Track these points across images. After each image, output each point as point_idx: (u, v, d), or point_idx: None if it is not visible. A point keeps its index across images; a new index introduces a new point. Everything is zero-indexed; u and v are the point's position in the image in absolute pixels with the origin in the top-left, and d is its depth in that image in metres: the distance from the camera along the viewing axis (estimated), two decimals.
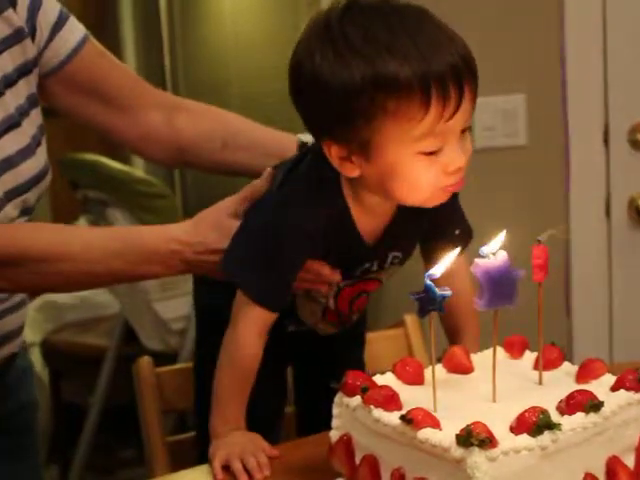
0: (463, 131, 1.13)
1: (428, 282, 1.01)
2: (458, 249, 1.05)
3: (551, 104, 2.38)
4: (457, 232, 1.27)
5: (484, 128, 2.42)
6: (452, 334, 1.35)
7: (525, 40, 2.37)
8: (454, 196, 1.30)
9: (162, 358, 2.12)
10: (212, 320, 1.35)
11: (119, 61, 1.51)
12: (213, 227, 1.26)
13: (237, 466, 1.17)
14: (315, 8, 3.04)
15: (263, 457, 1.18)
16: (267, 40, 3.70)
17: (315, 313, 1.34)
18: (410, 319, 1.68)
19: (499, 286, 0.99)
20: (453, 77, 1.07)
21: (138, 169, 4.24)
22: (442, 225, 1.30)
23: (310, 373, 1.47)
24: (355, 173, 1.16)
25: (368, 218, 1.24)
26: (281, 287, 1.22)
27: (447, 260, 1.03)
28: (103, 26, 4.72)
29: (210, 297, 1.41)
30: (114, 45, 4.56)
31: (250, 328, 1.22)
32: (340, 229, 1.22)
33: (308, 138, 1.36)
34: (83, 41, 1.43)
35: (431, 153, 1.10)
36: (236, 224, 1.24)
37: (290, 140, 1.45)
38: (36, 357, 3.46)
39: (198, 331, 1.47)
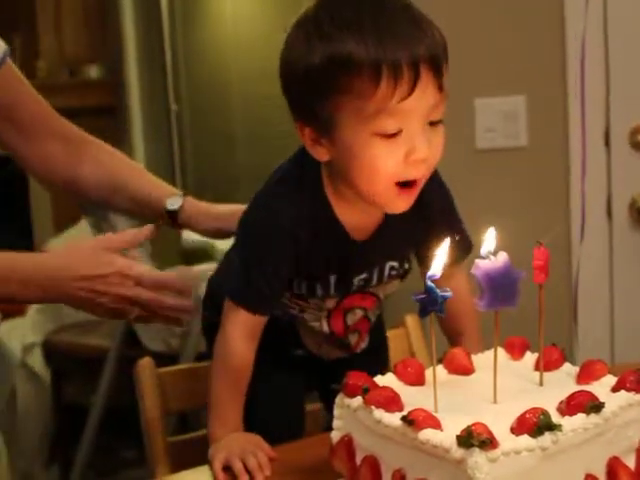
0: (433, 124, 1.13)
1: (429, 283, 1.01)
2: (447, 241, 1.04)
3: (552, 105, 2.38)
4: (457, 238, 1.24)
5: (485, 129, 2.43)
6: (452, 338, 1.35)
7: (526, 42, 2.37)
8: (450, 205, 1.32)
9: (163, 359, 2.12)
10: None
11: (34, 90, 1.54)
12: (87, 256, 1.29)
13: (238, 466, 1.17)
14: None
15: (263, 457, 1.19)
16: (268, 41, 3.71)
17: (315, 337, 1.36)
18: (411, 320, 1.68)
19: (500, 287, 1.00)
20: (409, 61, 1.07)
21: None
22: (439, 236, 1.29)
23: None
24: (325, 157, 1.17)
25: (353, 214, 1.23)
26: (263, 288, 1.23)
27: (441, 256, 1.02)
28: (105, 27, 4.72)
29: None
30: (116, 46, 4.57)
31: (237, 332, 1.24)
32: (324, 225, 1.22)
33: (175, 205, 1.47)
34: (3, 59, 1.46)
35: (390, 136, 1.10)
36: (112, 258, 1.27)
37: (168, 193, 1.53)
38: (37, 357, 3.46)
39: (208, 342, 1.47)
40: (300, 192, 1.22)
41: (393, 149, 1.11)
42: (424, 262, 1.34)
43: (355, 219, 1.24)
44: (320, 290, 1.29)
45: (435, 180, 1.29)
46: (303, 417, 1.46)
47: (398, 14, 1.12)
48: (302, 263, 1.24)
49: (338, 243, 1.24)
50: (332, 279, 1.28)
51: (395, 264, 1.31)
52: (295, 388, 1.43)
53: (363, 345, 1.41)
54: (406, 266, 1.33)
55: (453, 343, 1.33)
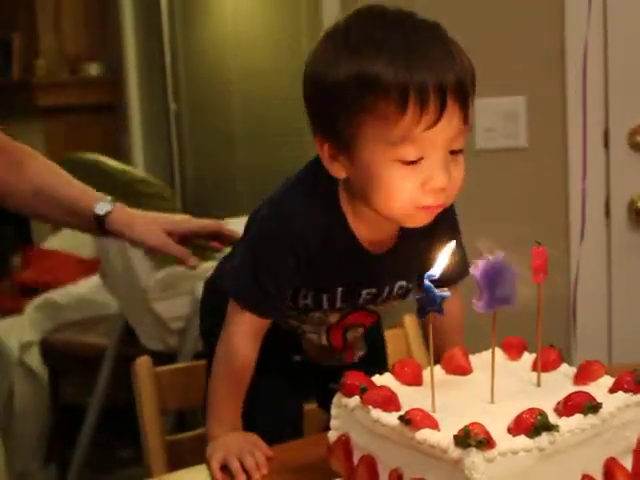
0: (454, 153, 1.12)
1: (428, 283, 1.01)
2: (452, 244, 1.04)
3: (551, 106, 2.38)
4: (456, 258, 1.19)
5: (485, 129, 2.43)
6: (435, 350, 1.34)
7: (526, 42, 2.37)
8: (455, 224, 1.32)
9: (161, 358, 2.12)
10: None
11: None
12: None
13: (235, 465, 1.17)
14: (314, 7, 3.04)
15: (260, 456, 1.19)
16: (267, 40, 3.71)
17: (313, 346, 1.36)
18: (409, 320, 1.68)
19: (498, 287, 0.99)
20: (436, 89, 1.06)
21: (138, 169, 4.24)
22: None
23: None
24: (342, 174, 1.16)
25: (368, 227, 1.22)
26: (271, 291, 1.21)
27: (443, 260, 1.02)
28: (104, 25, 4.72)
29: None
30: (116, 44, 4.57)
31: (241, 332, 1.23)
32: (337, 234, 1.21)
33: (104, 210, 1.49)
34: None
35: (410, 163, 1.09)
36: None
37: (97, 199, 1.54)
38: (35, 356, 3.46)
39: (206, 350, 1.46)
40: (314, 198, 1.20)
41: (411, 176, 1.10)
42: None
43: (369, 232, 1.22)
44: (326, 302, 1.27)
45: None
46: (301, 418, 1.46)
47: (428, 36, 1.11)
48: (311, 271, 1.23)
49: (350, 253, 1.22)
50: (339, 291, 1.26)
51: (404, 284, 1.30)
52: (293, 389, 1.42)
53: (357, 357, 1.40)
54: (410, 285, 1.32)
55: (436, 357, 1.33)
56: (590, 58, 2.34)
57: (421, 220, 1.16)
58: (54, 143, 4.68)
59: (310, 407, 1.54)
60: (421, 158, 1.10)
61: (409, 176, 1.10)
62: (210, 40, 4.26)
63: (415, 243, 1.25)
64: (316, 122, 1.16)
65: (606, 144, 2.36)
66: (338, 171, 1.16)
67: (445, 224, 1.29)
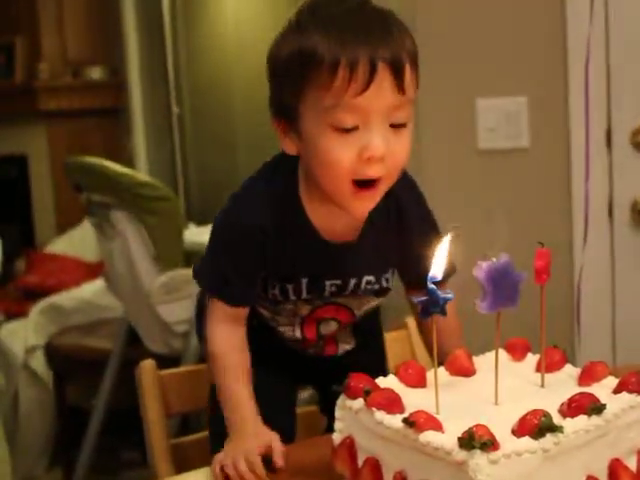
0: (396, 126, 1.14)
1: (431, 285, 1.01)
2: (447, 239, 1.04)
3: (554, 106, 2.38)
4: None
5: (487, 130, 2.43)
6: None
7: (528, 42, 2.37)
8: (430, 220, 1.32)
9: (165, 361, 2.12)
10: None
11: None
12: None
13: (230, 472, 1.16)
14: None
15: (256, 460, 1.16)
16: (269, 43, 3.71)
17: (287, 339, 1.36)
18: (412, 322, 1.68)
19: (501, 288, 1.00)
20: (366, 59, 1.10)
21: (142, 172, 4.25)
22: (418, 255, 1.29)
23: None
24: (293, 150, 1.20)
25: (326, 217, 1.24)
26: (231, 279, 1.24)
27: (440, 258, 1.02)
28: (107, 28, 4.73)
29: None
30: (118, 48, 4.57)
31: (217, 319, 1.26)
32: (294, 223, 1.24)
33: None
34: None
35: (345, 131, 1.12)
36: None
37: None
38: (40, 360, 3.47)
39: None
40: (271, 187, 1.25)
41: (348, 144, 1.13)
42: (411, 288, 1.36)
43: (329, 222, 1.25)
44: (292, 292, 1.29)
45: (413, 192, 1.31)
46: (294, 403, 1.45)
47: (372, 18, 1.15)
48: (272, 261, 1.25)
49: (308, 242, 1.25)
50: (304, 282, 1.28)
51: (371, 278, 1.31)
52: (283, 375, 1.41)
53: (342, 350, 1.40)
54: (384, 284, 1.32)
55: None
56: (592, 58, 2.34)
57: (362, 203, 1.18)
58: (57, 147, 4.69)
59: (310, 409, 1.54)
60: (357, 127, 1.12)
61: (345, 144, 1.12)
62: (212, 44, 4.26)
63: (380, 237, 1.27)
64: (271, 100, 1.22)
65: (608, 144, 2.36)
66: (289, 147, 1.20)
67: (415, 220, 1.31)
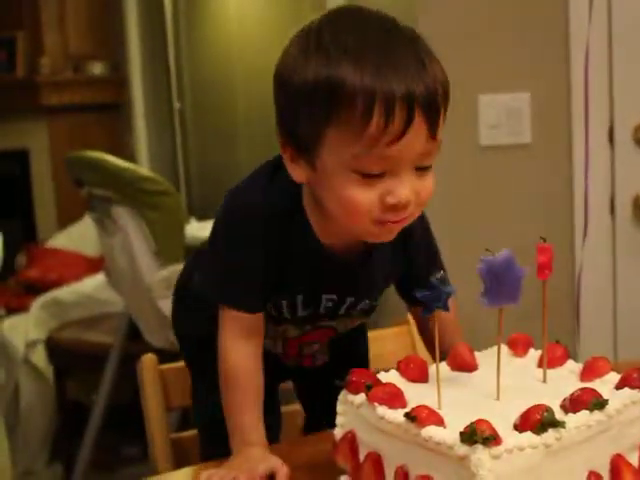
0: (421, 169, 1.07)
1: (433, 280, 1.01)
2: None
3: (556, 102, 2.38)
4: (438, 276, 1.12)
5: (489, 126, 2.42)
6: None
7: (530, 38, 2.37)
8: (430, 239, 1.29)
9: (166, 355, 2.12)
10: (197, 343, 1.35)
11: None
12: None
13: None
14: (319, 7, 3.04)
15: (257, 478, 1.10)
16: (272, 39, 3.71)
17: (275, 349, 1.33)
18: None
19: (503, 284, 0.99)
20: (403, 102, 1.01)
21: (143, 167, 4.25)
22: (417, 271, 1.28)
23: (312, 382, 1.42)
24: (302, 179, 1.12)
25: (329, 231, 1.17)
26: (244, 283, 1.17)
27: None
28: (108, 23, 4.72)
29: (192, 327, 1.39)
30: (120, 43, 4.57)
31: (230, 332, 1.19)
32: (297, 227, 1.17)
33: None
34: None
35: (369, 176, 1.04)
36: None
37: None
38: (40, 354, 3.47)
39: (185, 354, 1.44)
40: (274, 189, 1.16)
41: (371, 189, 1.05)
42: (409, 299, 1.33)
43: (331, 237, 1.18)
44: (287, 310, 1.23)
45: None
46: (278, 414, 1.41)
47: (403, 47, 1.05)
48: (272, 268, 1.18)
49: (310, 252, 1.18)
50: (299, 299, 1.22)
51: (368, 302, 1.27)
52: (272, 385, 1.35)
53: (318, 363, 1.37)
54: (375, 302, 1.29)
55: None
56: (594, 54, 2.33)
57: (383, 236, 1.12)
58: (58, 142, 4.69)
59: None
60: (383, 173, 1.05)
61: (367, 190, 1.05)
62: (214, 38, 4.26)
63: (385, 256, 1.23)
64: (280, 122, 1.12)
65: (611, 140, 2.36)
66: (299, 175, 1.11)
67: (420, 245, 1.27)
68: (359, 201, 1.06)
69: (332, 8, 1.12)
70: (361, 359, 1.46)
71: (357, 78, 1.01)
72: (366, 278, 1.23)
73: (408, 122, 1.01)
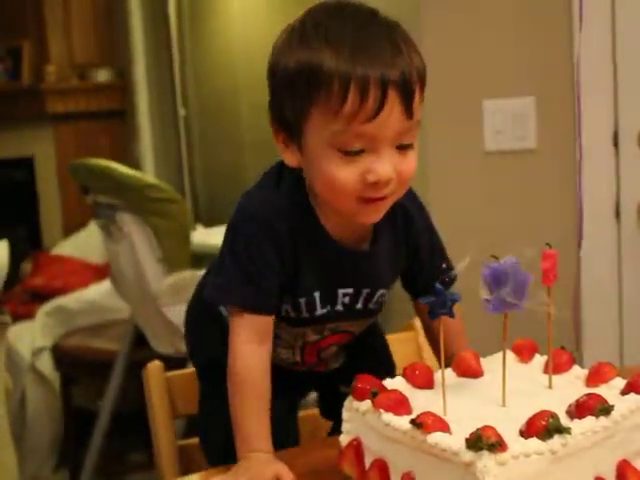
0: (402, 147, 1.12)
1: (438, 286, 1.01)
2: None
3: (561, 107, 2.37)
4: (443, 266, 1.15)
5: (494, 131, 2.42)
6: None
7: (536, 43, 2.37)
8: (432, 229, 1.32)
9: (172, 362, 2.12)
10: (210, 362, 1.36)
11: None
12: None
13: None
14: None
15: None
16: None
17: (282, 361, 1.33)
18: (419, 323, 1.68)
19: (507, 290, 0.99)
20: (377, 84, 1.07)
21: (148, 174, 4.25)
22: (421, 261, 1.31)
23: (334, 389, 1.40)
24: (294, 162, 1.18)
25: (337, 224, 1.21)
26: (256, 284, 1.18)
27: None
28: (113, 31, 4.74)
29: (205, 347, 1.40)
30: (125, 50, 4.58)
31: (241, 337, 1.19)
32: (305, 224, 1.20)
33: None
34: None
35: (350, 154, 1.10)
36: None
37: None
38: (47, 361, 3.47)
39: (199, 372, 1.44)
40: (279, 190, 1.22)
41: (352, 166, 1.11)
42: (412, 289, 1.36)
43: (340, 228, 1.22)
44: (305, 309, 1.24)
45: (416, 202, 1.30)
46: (292, 417, 1.41)
47: (380, 34, 1.11)
48: (286, 268, 1.20)
49: (322, 246, 1.21)
50: (317, 296, 1.24)
51: (384, 292, 1.29)
52: (280, 389, 1.31)
53: (331, 368, 1.38)
54: (385, 298, 1.31)
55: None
56: (599, 59, 2.33)
57: (369, 215, 1.16)
58: (64, 149, 4.70)
59: (312, 412, 1.53)
60: (362, 150, 1.10)
61: (348, 167, 1.11)
62: (219, 45, 4.27)
63: (391, 246, 1.26)
64: (271, 110, 1.18)
65: (616, 145, 2.35)
66: (290, 159, 1.18)
67: (422, 229, 1.30)
68: (341, 178, 1.11)
69: (315, 4, 1.18)
70: (379, 355, 1.47)
71: (333, 62, 1.08)
72: (377, 267, 1.26)
73: (382, 102, 1.08)
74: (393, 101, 1.08)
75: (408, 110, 1.10)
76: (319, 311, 1.25)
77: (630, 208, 2.37)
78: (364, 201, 1.13)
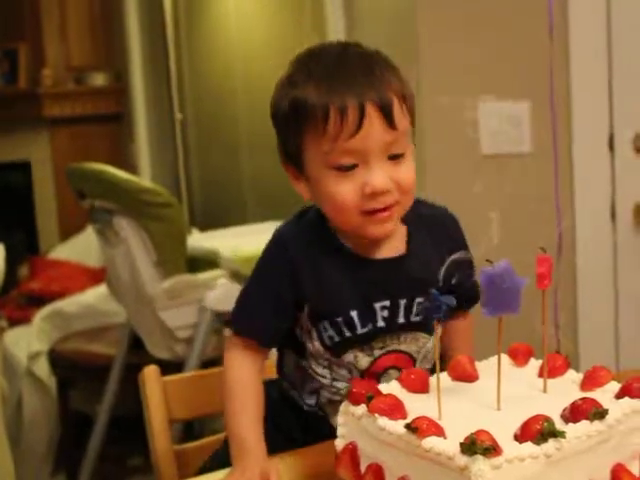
0: (394, 158, 1.20)
1: (434, 291, 1.02)
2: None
3: (557, 111, 2.38)
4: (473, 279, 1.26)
5: (489, 134, 2.43)
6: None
7: (531, 47, 2.37)
8: (465, 247, 1.35)
9: (169, 366, 2.12)
10: None
11: None
12: None
13: None
14: (319, 14, 3.05)
15: None
16: (272, 50, 3.72)
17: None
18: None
19: (503, 293, 0.99)
20: (354, 104, 1.17)
21: (144, 178, 4.25)
22: (453, 276, 1.32)
23: None
24: (306, 193, 1.26)
25: (361, 244, 1.26)
26: (255, 311, 1.26)
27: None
28: (110, 34, 4.74)
29: None
30: (121, 54, 4.58)
31: (234, 351, 1.27)
32: (327, 246, 1.27)
33: None
34: None
35: (345, 170, 1.19)
36: None
37: None
38: (43, 366, 3.47)
39: None
40: (303, 219, 1.30)
41: (349, 182, 1.19)
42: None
43: (359, 245, 1.27)
44: (346, 328, 1.26)
45: (451, 217, 1.36)
46: None
47: (356, 65, 1.21)
48: (314, 293, 1.25)
49: (346, 263, 1.26)
50: (355, 315, 1.26)
51: (422, 300, 1.29)
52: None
53: None
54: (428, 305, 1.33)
55: None
56: (595, 62, 2.34)
57: (376, 228, 1.22)
58: (60, 153, 4.70)
59: None
60: (356, 165, 1.19)
61: (345, 183, 1.20)
62: (215, 49, 4.27)
63: (423, 256, 1.29)
64: (279, 149, 1.29)
65: (611, 148, 2.36)
66: (302, 191, 1.27)
67: (456, 244, 1.33)
68: (341, 194, 1.20)
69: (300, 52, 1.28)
70: None
71: (315, 95, 1.20)
72: (410, 275, 1.28)
73: (360, 117, 1.17)
74: (371, 115, 1.17)
75: (389, 121, 1.18)
76: (360, 330, 1.27)
77: (626, 210, 2.38)
78: (368, 214, 1.21)
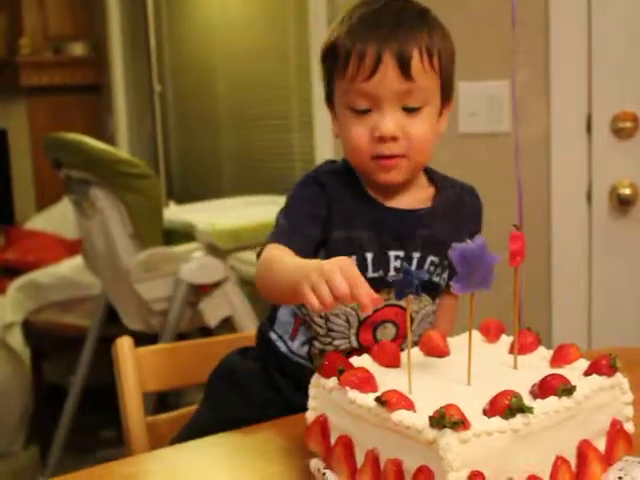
0: (410, 110, 1.26)
1: (406, 265, 1.02)
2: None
3: (536, 91, 2.38)
4: None
5: (468, 114, 2.43)
6: None
7: (510, 26, 2.37)
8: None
9: (143, 339, 2.12)
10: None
11: None
12: None
13: (324, 292, 1.05)
14: None
15: (355, 271, 1.06)
16: (253, 23, 3.69)
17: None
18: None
19: (475, 270, 1.00)
20: (373, 50, 1.24)
21: (122, 150, 4.23)
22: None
23: None
24: (336, 132, 1.35)
25: (381, 189, 1.32)
26: (296, 224, 1.29)
27: None
28: (89, 4, 4.69)
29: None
30: (100, 24, 4.54)
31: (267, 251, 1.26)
32: (355, 190, 1.32)
33: None
34: None
35: (360, 113, 1.27)
36: None
37: None
38: (17, 337, 3.46)
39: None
40: (332, 165, 1.37)
41: (361, 124, 1.27)
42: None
43: (380, 190, 1.33)
44: (358, 267, 1.23)
45: (479, 201, 1.44)
46: None
47: (389, 17, 1.28)
48: (335, 230, 1.29)
49: (369, 208, 1.31)
50: (369, 257, 1.29)
51: (436, 260, 1.32)
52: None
53: None
54: (441, 281, 1.35)
55: None
56: (574, 43, 2.34)
57: (384, 174, 1.29)
58: (38, 123, 4.66)
59: None
60: (369, 110, 1.27)
61: (360, 125, 1.28)
62: (196, 21, 4.24)
63: (444, 218, 1.34)
64: (324, 89, 1.37)
65: (589, 130, 2.37)
66: (334, 129, 1.35)
67: (475, 220, 1.41)
68: (355, 136, 1.28)
69: None
70: None
71: (343, 40, 1.28)
72: (429, 233, 1.33)
73: (376, 63, 1.24)
74: (387, 63, 1.24)
75: (405, 71, 1.24)
76: (370, 274, 1.29)
77: (602, 192, 2.39)
78: (377, 159, 1.28)
